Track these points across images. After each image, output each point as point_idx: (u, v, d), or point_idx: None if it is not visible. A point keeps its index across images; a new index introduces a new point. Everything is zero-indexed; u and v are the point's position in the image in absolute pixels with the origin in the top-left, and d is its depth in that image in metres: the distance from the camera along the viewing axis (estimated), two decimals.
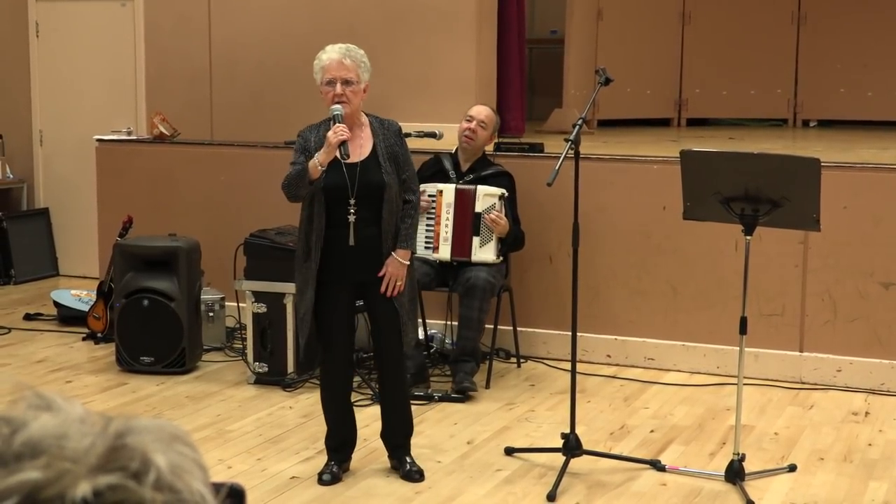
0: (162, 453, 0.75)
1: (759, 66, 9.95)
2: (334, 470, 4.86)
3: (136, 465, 0.73)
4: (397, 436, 4.95)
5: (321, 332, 4.80)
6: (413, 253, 4.90)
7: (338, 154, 4.60)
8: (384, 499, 4.70)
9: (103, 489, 0.72)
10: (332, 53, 4.72)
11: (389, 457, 4.98)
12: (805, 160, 4.79)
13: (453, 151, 6.43)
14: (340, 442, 4.93)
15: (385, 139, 4.79)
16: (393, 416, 4.95)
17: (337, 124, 4.61)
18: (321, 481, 4.83)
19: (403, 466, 4.89)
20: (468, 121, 6.32)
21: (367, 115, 4.85)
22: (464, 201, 6.21)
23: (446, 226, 6.21)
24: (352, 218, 4.69)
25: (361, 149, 4.75)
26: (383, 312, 4.80)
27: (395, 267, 4.74)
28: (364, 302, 4.92)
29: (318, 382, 6.16)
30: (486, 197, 6.20)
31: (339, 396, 4.93)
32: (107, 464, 0.73)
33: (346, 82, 4.68)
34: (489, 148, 6.73)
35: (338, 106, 4.66)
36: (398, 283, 4.73)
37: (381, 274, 4.71)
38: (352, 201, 4.69)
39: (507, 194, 6.24)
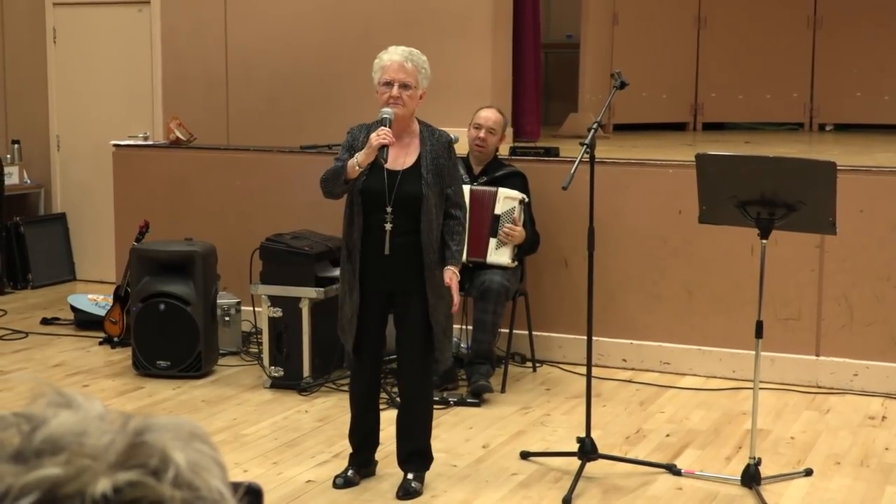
0: (181, 451, 0.75)
1: (775, 70, 9.93)
2: (349, 475, 4.83)
3: (155, 462, 0.74)
4: (402, 450, 4.85)
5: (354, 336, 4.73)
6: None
7: (378, 158, 4.52)
8: (402, 501, 4.70)
9: (123, 486, 0.72)
10: (393, 55, 4.64)
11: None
12: (821, 164, 4.77)
13: (465, 155, 6.42)
14: (362, 439, 4.87)
15: (433, 150, 4.68)
16: (403, 428, 4.86)
17: (382, 127, 4.52)
18: (334, 485, 4.81)
19: (402, 480, 4.80)
20: (476, 128, 6.30)
21: (419, 122, 4.76)
22: (480, 202, 6.21)
23: None
24: (388, 226, 4.59)
25: (406, 157, 4.65)
26: (413, 325, 4.69)
27: (457, 280, 4.68)
28: (394, 312, 4.81)
29: (333, 387, 6.19)
30: (507, 200, 6.19)
31: (364, 402, 4.86)
32: (126, 460, 0.73)
33: (404, 86, 4.60)
34: (504, 151, 6.74)
35: (388, 109, 4.58)
36: (458, 298, 4.68)
37: (447, 284, 4.62)
38: (388, 209, 4.59)
39: (527, 199, 6.24)
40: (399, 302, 4.73)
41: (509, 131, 7.82)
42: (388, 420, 5.08)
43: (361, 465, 4.90)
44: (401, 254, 4.61)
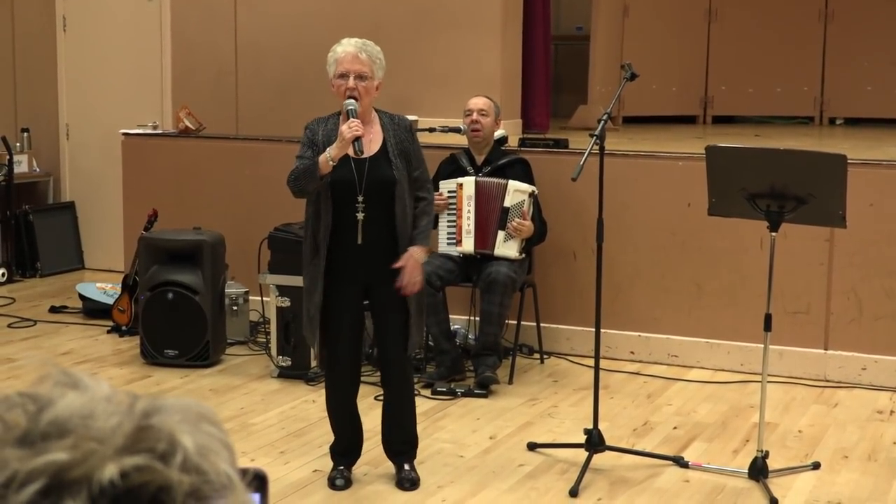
0: (189, 434, 0.74)
1: (786, 63, 9.90)
2: (346, 474, 4.77)
3: (162, 447, 0.73)
4: (395, 442, 4.82)
5: (328, 334, 4.66)
6: (429, 252, 4.78)
7: (351, 150, 4.45)
8: (408, 492, 4.70)
9: (130, 470, 0.71)
10: (347, 46, 4.58)
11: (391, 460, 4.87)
12: (831, 156, 4.76)
13: (467, 148, 6.41)
14: (348, 446, 4.81)
15: (396, 135, 4.63)
16: (393, 421, 4.82)
17: (351, 119, 4.45)
18: (335, 486, 4.71)
19: (399, 473, 4.77)
20: (468, 114, 6.31)
21: (377, 111, 4.70)
22: (487, 194, 6.20)
23: (468, 218, 6.20)
24: (360, 216, 4.53)
25: (371, 144, 4.57)
26: (392, 314, 4.65)
27: (415, 261, 4.57)
28: (370, 302, 4.75)
29: None
30: (517, 193, 6.18)
31: (346, 401, 4.78)
32: (133, 444, 0.72)
33: (360, 77, 4.53)
34: (514, 143, 6.72)
35: (351, 101, 4.51)
36: (417, 280, 4.58)
37: (399, 265, 4.53)
38: (360, 198, 4.53)
39: (536, 191, 6.23)
40: (376, 294, 4.68)
41: (518, 122, 7.82)
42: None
43: (351, 463, 4.83)
44: (375, 243, 4.56)
